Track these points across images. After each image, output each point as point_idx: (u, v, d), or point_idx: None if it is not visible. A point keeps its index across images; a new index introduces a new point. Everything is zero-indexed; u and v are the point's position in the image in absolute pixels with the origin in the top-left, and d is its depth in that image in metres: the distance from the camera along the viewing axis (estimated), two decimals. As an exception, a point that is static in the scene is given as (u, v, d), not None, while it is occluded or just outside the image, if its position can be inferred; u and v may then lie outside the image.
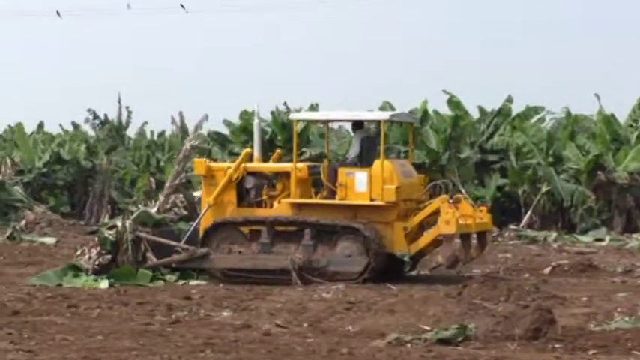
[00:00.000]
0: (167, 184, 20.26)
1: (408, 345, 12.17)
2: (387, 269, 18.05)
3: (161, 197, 19.84)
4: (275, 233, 18.17)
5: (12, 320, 13.85)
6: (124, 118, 38.84)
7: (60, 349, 11.85)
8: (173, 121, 42.16)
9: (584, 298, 15.83)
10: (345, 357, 11.66)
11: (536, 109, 31.70)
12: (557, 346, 11.97)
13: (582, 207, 28.98)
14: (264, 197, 18.55)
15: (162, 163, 36.16)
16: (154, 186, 34.03)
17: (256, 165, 18.86)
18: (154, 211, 19.20)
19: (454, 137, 29.94)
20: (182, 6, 40.89)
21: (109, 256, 18.11)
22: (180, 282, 18.08)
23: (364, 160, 18.11)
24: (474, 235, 18.47)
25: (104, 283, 17.57)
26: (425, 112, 30.94)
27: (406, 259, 18.09)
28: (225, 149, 31.85)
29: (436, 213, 17.81)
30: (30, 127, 38.87)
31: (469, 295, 14.53)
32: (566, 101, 43.62)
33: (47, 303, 15.54)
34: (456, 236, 17.63)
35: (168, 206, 19.46)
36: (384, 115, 19.54)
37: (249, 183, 18.55)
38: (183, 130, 42.01)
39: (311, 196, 18.33)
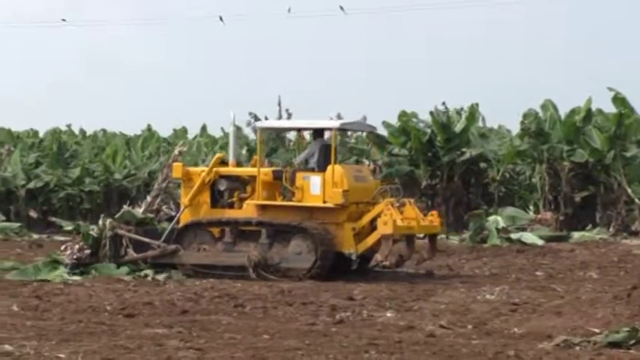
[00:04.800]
0: (155, 186, 21.45)
1: (577, 348, 11.89)
2: (336, 266, 18.99)
3: (148, 198, 21.01)
4: (238, 233, 19.29)
5: (181, 319, 14.19)
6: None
7: (228, 347, 12.05)
8: (332, 123, 42.43)
9: None
10: None
11: None
12: None
13: None
14: (235, 199, 19.70)
15: (321, 165, 36.43)
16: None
17: (227, 169, 20.06)
18: (141, 210, 20.40)
19: (619, 136, 29.19)
20: (341, 8, 41.12)
21: (88, 252, 19.47)
22: (152, 275, 19.05)
23: (322, 165, 19.14)
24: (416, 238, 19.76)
25: (76, 276, 18.77)
26: (588, 110, 30.27)
27: (353, 257, 18.95)
28: (384, 150, 31.83)
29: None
30: (193, 131, 39.78)
31: (639, 297, 14.14)
32: None
33: (214, 302, 15.85)
34: (394, 237, 18.75)
35: (155, 207, 20.62)
36: (335, 124, 20.63)
37: (222, 185, 19.80)
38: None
39: (275, 199, 19.43)
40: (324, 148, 19.45)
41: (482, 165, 31.31)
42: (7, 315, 14.55)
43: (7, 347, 11.76)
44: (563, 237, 26.99)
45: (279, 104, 39.39)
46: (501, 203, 30.08)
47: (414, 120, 31.74)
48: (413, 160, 31.01)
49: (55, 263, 19.49)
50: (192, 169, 20.64)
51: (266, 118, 39.20)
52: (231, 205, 19.72)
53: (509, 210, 28.43)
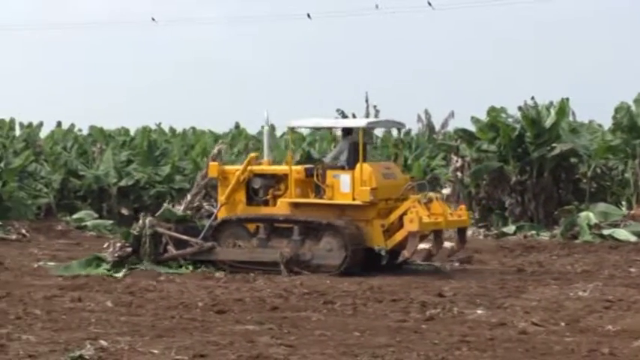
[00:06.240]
0: (195, 184, 21.89)
1: (674, 346, 11.68)
2: (367, 262, 19.32)
3: (189, 196, 21.48)
4: (272, 229, 19.73)
5: (272, 315, 14.27)
6: (371, 118, 39.21)
7: (318, 344, 12.08)
8: (419, 119, 42.34)
9: None
10: (606, 357, 11.33)
11: None
12: None
13: None
14: (269, 197, 20.11)
15: (409, 161, 36.31)
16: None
17: (260, 167, 20.52)
18: (181, 208, 20.96)
19: None
20: (429, 3, 40.88)
21: (129, 249, 19.91)
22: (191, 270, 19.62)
23: (351, 163, 19.47)
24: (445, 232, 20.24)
25: (121, 272, 19.13)
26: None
27: (383, 253, 19.26)
28: (473, 146, 31.56)
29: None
30: (281, 128, 39.91)
31: None
32: None
33: (304, 299, 15.92)
34: (421, 233, 19.10)
35: (196, 204, 21.08)
36: (362, 122, 20.79)
37: (257, 184, 20.25)
38: (430, 127, 42.07)
39: (308, 196, 19.75)
40: (354, 146, 19.68)
41: (573, 160, 30.84)
42: (102, 311, 14.81)
43: (102, 342, 11.97)
44: (657, 233, 26.46)
45: (367, 101, 39.36)
46: (593, 199, 29.58)
47: (503, 115, 31.39)
48: (502, 155, 30.67)
49: (97, 260, 19.95)
50: (227, 167, 21.04)
51: (354, 116, 39.26)
52: (265, 203, 20.12)
53: (601, 206, 27.97)
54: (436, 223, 19.32)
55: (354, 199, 19.25)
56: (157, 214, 20.76)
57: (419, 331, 12.97)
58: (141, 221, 20.34)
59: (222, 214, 20.25)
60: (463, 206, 20.58)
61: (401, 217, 19.11)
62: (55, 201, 33.34)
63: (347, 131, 20.32)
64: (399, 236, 19.10)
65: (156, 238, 20.05)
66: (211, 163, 21.20)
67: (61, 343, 11.97)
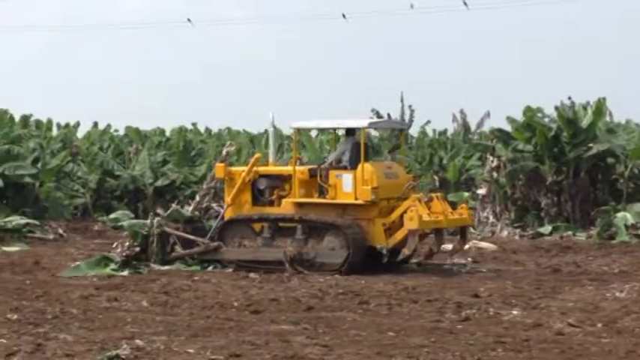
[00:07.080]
0: (204, 186, 22.22)
1: None
2: (369, 260, 19.46)
3: (197, 197, 21.79)
4: (276, 229, 20.00)
5: (307, 315, 14.29)
6: (406, 117, 39.19)
7: (353, 344, 12.08)
8: (455, 119, 42.26)
9: None
10: (643, 359, 11.25)
11: None
12: None
13: None
14: (274, 197, 20.34)
15: (444, 161, 36.23)
16: (437, 184, 34.12)
17: (265, 168, 20.85)
18: (190, 209, 21.30)
19: None
20: (465, 3, 40.79)
21: (137, 249, 20.18)
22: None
23: (353, 163, 19.72)
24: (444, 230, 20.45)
25: (125, 272, 19.38)
26: None
27: (384, 251, 19.50)
28: (509, 146, 31.42)
29: None
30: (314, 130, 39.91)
31: None
32: None
33: (339, 299, 15.92)
34: (420, 231, 19.34)
35: (205, 205, 21.34)
36: (364, 123, 20.82)
37: (262, 184, 20.52)
38: (465, 127, 41.97)
39: (312, 196, 19.97)
40: (356, 146, 19.86)
41: (610, 160, 30.63)
42: (138, 310, 14.90)
43: (138, 342, 12.03)
44: (695, 233, 26.24)
45: (402, 100, 39.33)
46: (630, 199, 29.37)
47: (539, 115, 31.26)
48: (538, 156, 30.51)
49: (106, 260, 20.10)
50: (233, 168, 21.32)
51: (389, 116, 39.21)
52: (271, 203, 20.39)
53: (638, 206, 27.79)
54: (436, 222, 19.53)
55: (356, 199, 19.51)
56: (165, 215, 21.03)
57: (454, 332, 12.94)
58: (149, 221, 20.58)
59: (229, 214, 20.52)
60: (464, 205, 20.81)
61: (402, 216, 19.33)
62: (92, 201, 33.59)
63: (349, 132, 20.50)
64: (399, 235, 19.34)
65: (164, 238, 20.34)
66: (218, 165, 21.48)
67: (98, 343, 12.05)
